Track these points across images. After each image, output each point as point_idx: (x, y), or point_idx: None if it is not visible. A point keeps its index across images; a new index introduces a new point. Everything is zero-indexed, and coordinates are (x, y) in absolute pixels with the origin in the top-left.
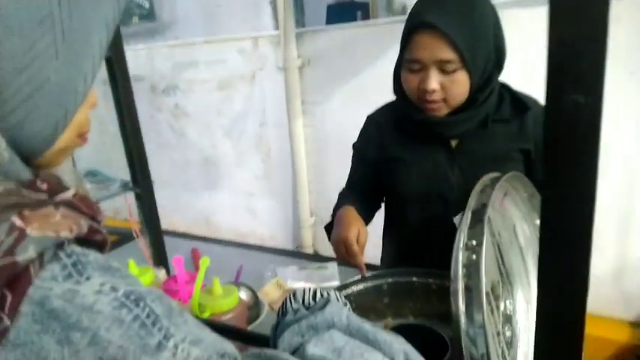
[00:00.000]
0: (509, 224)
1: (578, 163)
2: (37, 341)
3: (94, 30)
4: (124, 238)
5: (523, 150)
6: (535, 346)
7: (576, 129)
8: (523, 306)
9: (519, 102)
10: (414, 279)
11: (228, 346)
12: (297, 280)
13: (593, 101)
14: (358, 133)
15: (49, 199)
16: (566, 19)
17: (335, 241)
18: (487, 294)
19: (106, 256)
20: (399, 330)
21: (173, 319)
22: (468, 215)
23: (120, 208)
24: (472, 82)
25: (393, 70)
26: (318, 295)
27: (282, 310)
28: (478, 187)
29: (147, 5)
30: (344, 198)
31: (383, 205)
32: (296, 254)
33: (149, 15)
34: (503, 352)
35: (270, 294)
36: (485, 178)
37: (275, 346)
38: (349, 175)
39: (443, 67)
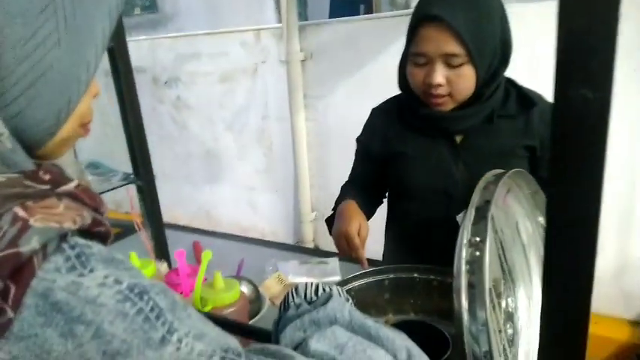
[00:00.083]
0: (511, 221)
1: (586, 159)
2: (40, 334)
3: (97, 18)
4: (125, 230)
5: (528, 146)
6: (540, 344)
7: (584, 124)
8: (525, 303)
9: (525, 98)
10: (416, 275)
11: (232, 341)
12: (298, 274)
13: (602, 96)
14: (361, 127)
15: (52, 190)
16: (576, 11)
17: (336, 234)
18: (489, 291)
19: (109, 248)
20: (399, 326)
21: (177, 313)
22: (471, 212)
23: (121, 201)
24: (478, 76)
25: (397, 65)
26: (320, 289)
27: (284, 305)
28: (481, 183)
29: None
30: (346, 191)
31: (385, 200)
32: (297, 249)
33: (151, 6)
34: (504, 349)
35: (272, 288)
36: (489, 175)
37: (277, 341)
38: (352, 168)
39: (449, 61)
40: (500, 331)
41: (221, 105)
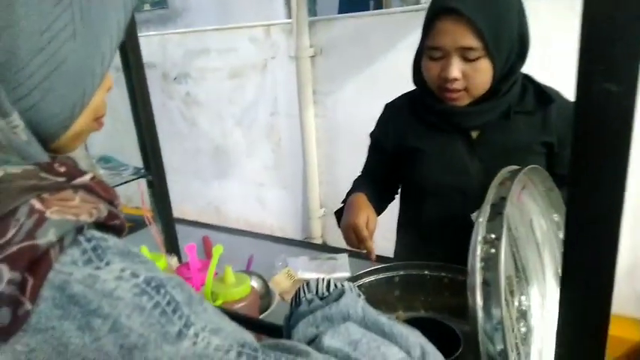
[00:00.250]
0: (526, 219)
1: (609, 155)
2: (58, 327)
3: (112, 10)
4: (136, 225)
5: (545, 143)
6: (557, 344)
7: (607, 119)
8: (538, 302)
9: (543, 94)
10: (426, 272)
11: (248, 336)
12: (308, 270)
13: (626, 90)
14: (370, 123)
15: (67, 182)
16: (600, 3)
17: (344, 226)
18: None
19: (125, 241)
20: (410, 323)
21: (193, 307)
22: (486, 208)
23: (132, 196)
24: (495, 71)
25: (407, 60)
26: (332, 285)
27: (296, 300)
28: (497, 179)
29: None
30: (357, 185)
31: (397, 197)
32: (306, 244)
33: (161, 2)
34: (517, 347)
35: (281, 283)
36: (504, 171)
37: (289, 337)
38: (365, 163)
39: (465, 55)
40: (513, 330)
41: (230, 101)
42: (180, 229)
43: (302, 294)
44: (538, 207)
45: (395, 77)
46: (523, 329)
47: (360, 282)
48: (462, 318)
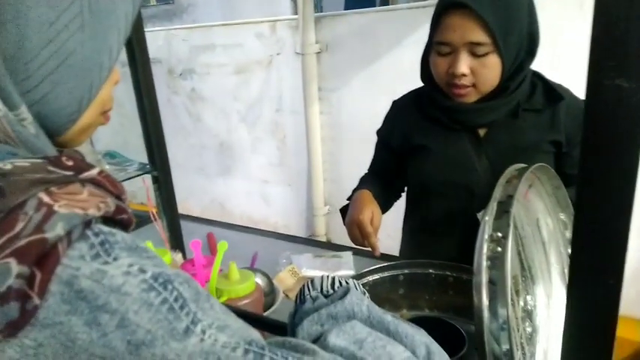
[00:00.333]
0: (532, 217)
1: (620, 153)
2: (65, 322)
3: (120, 3)
4: (141, 220)
5: (554, 141)
6: (564, 345)
7: (619, 116)
8: (544, 301)
9: (552, 91)
10: (431, 271)
11: (255, 334)
12: (312, 268)
13: (637, 87)
14: (375, 120)
15: (75, 176)
16: None
17: (348, 222)
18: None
19: (132, 235)
20: (414, 322)
21: (200, 304)
22: (493, 206)
23: (137, 192)
24: (504, 67)
25: (413, 57)
26: (337, 283)
27: (300, 298)
28: (504, 177)
29: None
30: (363, 182)
31: (403, 195)
32: (310, 242)
33: None
34: (522, 347)
35: (285, 281)
36: (511, 169)
37: (293, 334)
38: (372, 160)
39: (474, 50)
40: (518, 330)
41: (235, 97)
42: (184, 225)
43: (306, 291)
44: (545, 205)
45: (401, 74)
46: (528, 329)
47: (365, 280)
48: (467, 317)
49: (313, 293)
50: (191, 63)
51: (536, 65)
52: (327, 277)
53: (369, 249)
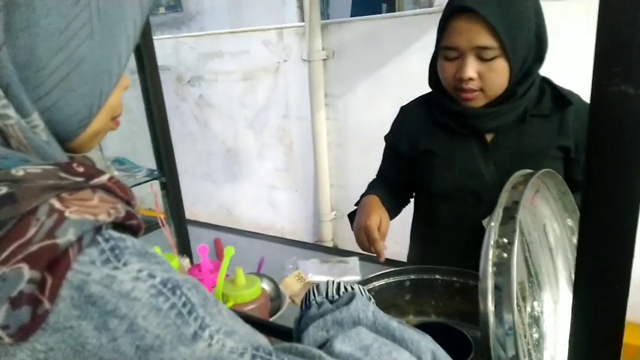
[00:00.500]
0: (539, 223)
1: (624, 159)
2: (75, 326)
3: (129, 10)
4: (149, 226)
5: (562, 147)
6: (570, 352)
7: (624, 122)
8: (551, 307)
9: (561, 96)
10: (437, 276)
11: (262, 339)
12: (318, 273)
13: None
14: (380, 126)
15: (86, 182)
16: (617, 4)
17: (356, 228)
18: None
19: (142, 241)
20: (420, 328)
21: (208, 309)
22: (498, 212)
23: (145, 198)
24: (511, 71)
25: (419, 63)
26: (342, 288)
27: (306, 303)
28: (509, 183)
29: None
30: (371, 188)
31: (412, 200)
32: (316, 247)
33: (176, 5)
34: (529, 354)
35: (292, 286)
36: (517, 174)
37: (299, 340)
38: (380, 166)
39: (481, 55)
40: (525, 336)
41: (242, 103)
42: (192, 230)
43: (312, 297)
44: (551, 211)
45: (407, 80)
46: (535, 335)
47: (371, 285)
48: (474, 323)
49: (319, 299)
50: (199, 70)
51: (542, 70)
52: (333, 282)
53: (376, 255)
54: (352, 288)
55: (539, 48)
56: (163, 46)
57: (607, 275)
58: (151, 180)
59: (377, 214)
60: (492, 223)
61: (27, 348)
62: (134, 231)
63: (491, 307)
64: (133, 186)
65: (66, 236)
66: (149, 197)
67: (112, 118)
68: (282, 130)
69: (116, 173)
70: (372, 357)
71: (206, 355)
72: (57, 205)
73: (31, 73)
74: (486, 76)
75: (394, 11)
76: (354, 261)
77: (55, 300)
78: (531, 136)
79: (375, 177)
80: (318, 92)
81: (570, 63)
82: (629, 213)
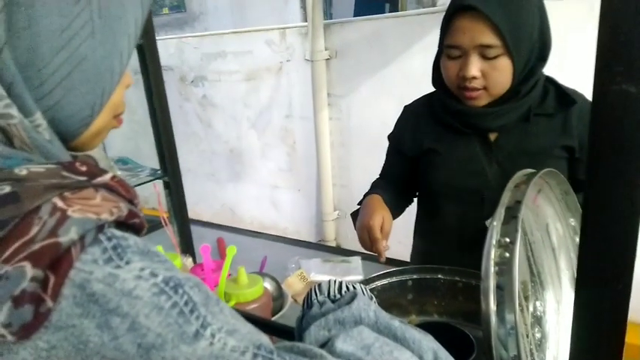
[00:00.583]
0: (542, 223)
1: (627, 158)
2: (78, 325)
3: (130, 8)
4: (152, 225)
5: (566, 147)
6: (571, 352)
7: (626, 121)
8: (554, 307)
9: (565, 96)
10: (440, 276)
11: (264, 338)
12: (321, 272)
13: None
14: (383, 126)
15: (89, 181)
16: (619, 2)
17: (359, 227)
18: (517, 294)
19: (144, 240)
20: (423, 327)
21: (210, 308)
22: (500, 211)
23: (149, 197)
24: (515, 70)
25: (422, 63)
26: (344, 288)
27: (308, 302)
28: (512, 183)
29: None
30: (375, 187)
31: (415, 200)
32: (319, 247)
33: (179, 6)
34: (532, 353)
35: (294, 285)
36: (520, 174)
37: (300, 339)
38: (383, 165)
39: (484, 53)
40: (527, 336)
41: (245, 103)
42: (195, 230)
43: (314, 296)
44: (554, 211)
45: (409, 80)
46: (538, 335)
47: (373, 285)
48: (476, 323)
49: (320, 298)
50: (202, 70)
51: (545, 70)
52: (335, 281)
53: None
54: (354, 287)
55: (542, 47)
56: (167, 46)
57: (609, 275)
58: (153, 179)
59: (380, 213)
60: (494, 223)
61: (30, 346)
62: (137, 230)
63: (492, 306)
64: (136, 185)
65: (68, 235)
66: (153, 197)
67: (114, 116)
68: (285, 130)
69: (119, 173)
70: (374, 356)
71: (208, 353)
72: (59, 204)
73: (33, 72)
74: (490, 74)
75: (397, 11)
76: (357, 260)
77: (57, 298)
78: (535, 135)
79: (378, 176)
80: (321, 92)
81: (574, 63)
82: (631, 212)
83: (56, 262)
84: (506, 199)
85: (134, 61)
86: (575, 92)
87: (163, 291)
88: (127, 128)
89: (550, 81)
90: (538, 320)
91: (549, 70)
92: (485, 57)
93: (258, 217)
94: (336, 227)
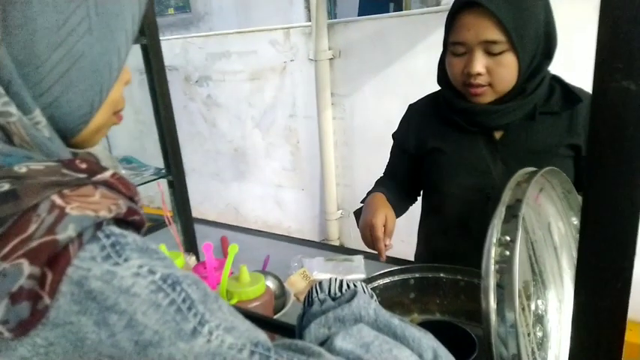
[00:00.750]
0: (544, 221)
1: (626, 155)
2: (75, 322)
3: (126, 4)
4: (157, 224)
5: (573, 145)
6: (571, 350)
7: (625, 118)
8: (556, 306)
9: (571, 94)
10: (442, 275)
11: (262, 336)
12: (323, 271)
13: None
14: (387, 125)
15: (88, 178)
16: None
17: (361, 225)
18: (519, 293)
19: (143, 237)
20: (425, 326)
21: (208, 305)
22: (501, 210)
23: (154, 197)
24: (520, 66)
25: (426, 62)
26: (345, 285)
27: (308, 300)
28: (513, 181)
29: None
30: (378, 185)
31: (419, 199)
32: (322, 246)
33: (184, 6)
34: (533, 352)
35: (297, 284)
36: (521, 172)
37: (300, 337)
38: (387, 164)
39: (489, 49)
40: (529, 334)
41: (250, 103)
42: (199, 229)
43: (314, 294)
44: (556, 210)
45: (413, 79)
46: (539, 334)
47: (375, 284)
48: (478, 322)
49: (321, 296)
50: (207, 70)
51: (552, 70)
52: (335, 279)
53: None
54: (355, 285)
55: (547, 44)
56: (172, 46)
57: (608, 273)
58: (157, 178)
59: (382, 212)
60: (495, 221)
61: (27, 343)
62: (137, 227)
63: (493, 304)
64: (139, 184)
65: (66, 232)
66: (158, 196)
67: (114, 112)
68: (289, 129)
69: (123, 172)
70: (373, 354)
71: (205, 350)
72: (58, 201)
73: (30, 69)
74: (495, 70)
75: (401, 10)
76: (359, 259)
77: (55, 295)
78: (541, 133)
79: (381, 175)
80: (325, 91)
81: (581, 62)
82: (631, 210)
83: (54, 259)
84: (506, 197)
85: (138, 60)
86: (581, 91)
87: (161, 288)
88: (133, 128)
89: (556, 79)
90: (540, 319)
91: (556, 69)
92: (490, 53)
93: (262, 217)
94: (339, 226)
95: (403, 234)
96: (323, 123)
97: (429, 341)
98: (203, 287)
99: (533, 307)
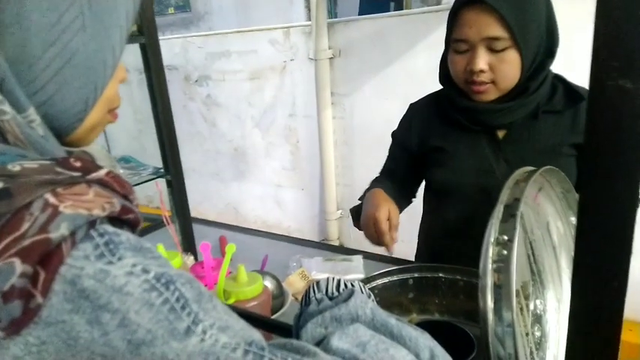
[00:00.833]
0: (542, 221)
1: (624, 155)
2: (68, 321)
3: (120, 2)
4: (155, 224)
5: (575, 144)
6: (567, 350)
7: (622, 117)
8: (554, 306)
9: (573, 92)
10: (441, 275)
11: (256, 335)
12: (322, 271)
13: None
14: (387, 124)
15: (82, 177)
16: None
17: (365, 220)
18: (517, 292)
19: (140, 236)
20: (424, 326)
21: (202, 304)
22: (499, 209)
23: (153, 197)
24: (523, 63)
25: (426, 62)
26: (342, 285)
27: (305, 300)
28: (511, 180)
29: None
30: (376, 182)
31: (418, 200)
32: (321, 246)
33: (184, 6)
34: (531, 352)
35: (295, 284)
36: (520, 171)
37: (297, 336)
38: (384, 163)
39: (491, 46)
40: (527, 334)
41: (249, 103)
42: (198, 228)
43: (312, 293)
44: (555, 209)
45: (413, 78)
46: (537, 334)
47: (374, 284)
48: (477, 321)
49: (318, 295)
50: (207, 70)
51: (554, 69)
52: (333, 279)
53: (383, 249)
54: (352, 285)
55: (550, 41)
56: (171, 45)
57: (605, 272)
58: (156, 178)
59: (386, 205)
60: (492, 220)
61: (20, 342)
62: (132, 225)
63: (490, 304)
64: (137, 184)
65: (59, 231)
66: (157, 196)
67: (109, 110)
68: (289, 128)
69: (122, 171)
70: (369, 354)
71: (198, 349)
72: (51, 199)
73: (24, 67)
74: (497, 67)
75: (402, 9)
76: (358, 259)
77: (47, 294)
78: (544, 133)
79: (378, 174)
80: (325, 91)
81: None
82: (629, 208)
83: (46, 257)
84: (505, 196)
85: (138, 60)
86: (584, 89)
87: (154, 287)
88: (132, 128)
89: (558, 78)
90: (538, 319)
91: (556, 69)
92: (492, 50)
93: (261, 216)
94: (339, 226)
95: (404, 234)
96: (323, 122)
97: (425, 341)
98: (197, 286)
99: (531, 307)
